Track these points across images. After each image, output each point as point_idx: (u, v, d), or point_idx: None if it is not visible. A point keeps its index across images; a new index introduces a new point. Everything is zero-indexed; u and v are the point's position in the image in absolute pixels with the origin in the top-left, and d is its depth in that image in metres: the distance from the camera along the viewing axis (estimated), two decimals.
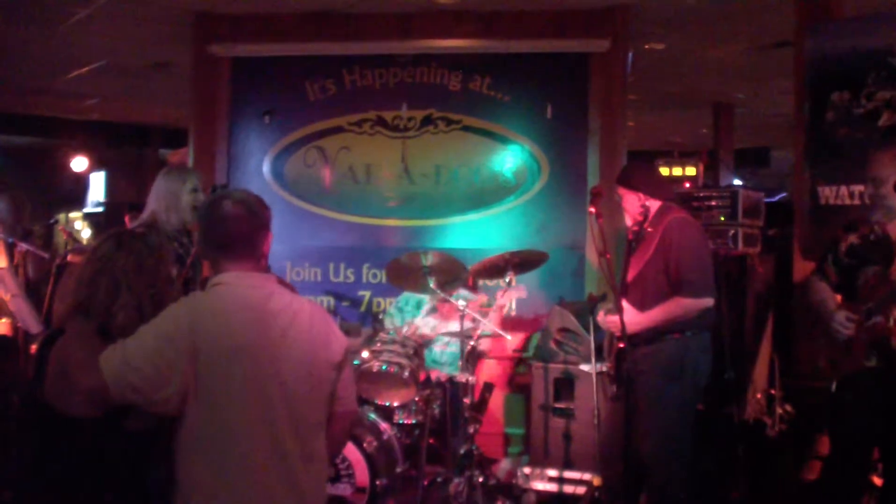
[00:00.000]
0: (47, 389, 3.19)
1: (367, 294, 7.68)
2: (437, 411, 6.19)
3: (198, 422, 2.98)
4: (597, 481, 5.64)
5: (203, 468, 2.99)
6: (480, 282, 7.08)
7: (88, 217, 13.06)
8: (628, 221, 5.32)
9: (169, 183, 5.34)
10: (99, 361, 2.98)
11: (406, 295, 6.96)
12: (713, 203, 6.65)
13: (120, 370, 2.96)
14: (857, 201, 5.99)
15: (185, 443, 3.01)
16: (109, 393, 2.97)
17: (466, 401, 5.95)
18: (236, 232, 3.18)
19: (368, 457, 5.61)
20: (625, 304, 5.02)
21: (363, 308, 7.66)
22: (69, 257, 6.32)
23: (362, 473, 5.59)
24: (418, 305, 6.96)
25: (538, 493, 6.15)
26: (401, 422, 6.14)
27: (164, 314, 3.09)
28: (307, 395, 3.13)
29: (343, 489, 5.60)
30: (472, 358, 6.05)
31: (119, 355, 2.99)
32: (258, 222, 3.23)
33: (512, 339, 6.66)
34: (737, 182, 12.55)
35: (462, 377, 5.93)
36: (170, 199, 5.26)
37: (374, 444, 5.74)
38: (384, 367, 5.87)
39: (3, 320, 6.43)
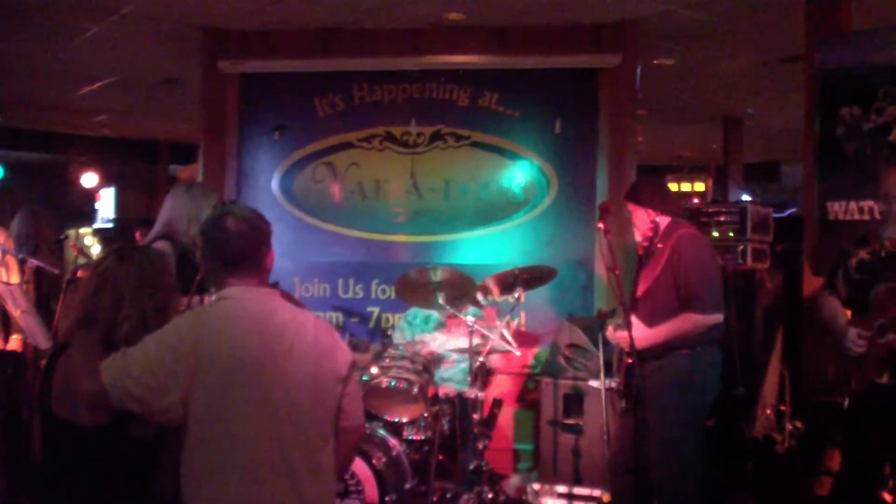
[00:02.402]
0: (54, 401, 3.22)
1: (376, 310, 7.67)
2: (446, 427, 6.19)
3: (200, 433, 2.99)
4: (606, 497, 5.63)
5: (206, 479, 3.00)
6: (490, 298, 7.07)
7: (99, 233, 13.09)
8: (638, 237, 5.32)
9: (195, 199, 5.36)
10: (100, 368, 3.01)
11: (415, 309, 6.96)
12: (722, 218, 6.65)
13: (119, 377, 2.98)
14: (866, 217, 5.97)
15: (189, 453, 3.02)
16: (109, 399, 2.98)
17: (475, 416, 5.95)
18: (241, 248, 3.19)
19: (377, 472, 5.60)
20: (634, 319, 5.02)
21: (372, 324, 7.65)
22: (79, 273, 6.33)
23: (371, 489, 5.58)
24: (427, 320, 6.96)
25: None
26: (410, 437, 6.13)
27: (168, 326, 3.11)
28: (312, 409, 3.13)
29: None
30: (481, 374, 6.04)
31: (119, 363, 3.01)
32: (261, 238, 3.25)
33: (521, 355, 6.65)
34: (746, 197, 12.54)
35: (471, 393, 5.93)
36: (192, 213, 5.27)
37: (383, 459, 5.73)
38: (393, 383, 5.87)
39: (14, 336, 6.45)
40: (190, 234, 5.25)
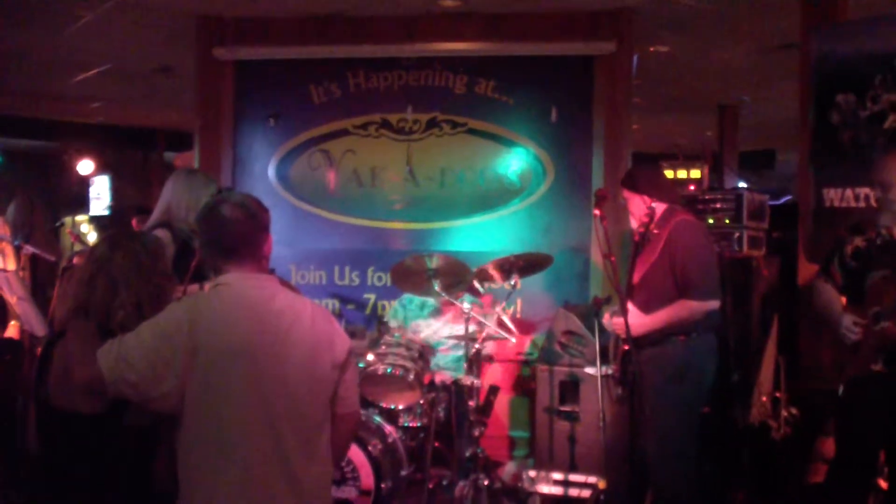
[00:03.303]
0: (51, 388, 3.22)
1: (372, 297, 7.68)
2: (442, 414, 6.20)
3: (196, 420, 3.00)
4: (602, 484, 5.64)
5: (203, 466, 3.01)
6: (486, 285, 7.07)
7: (95, 220, 13.07)
8: (634, 224, 5.32)
9: (195, 188, 5.33)
10: (96, 355, 3.01)
11: (410, 294, 6.96)
12: (718, 206, 6.65)
13: (116, 365, 2.98)
14: (862, 204, 5.97)
15: (185, 441, 3.03)
16: (105, 388, 2.99)
17: (471, 404, 5.96)
18: (237, 234, 3.19)
19: (373, 460, 5.61)
20: (630, 306, 5.02)
21: (368, 311, 7.66)
22: (75, 260, 6.33)
23: (367, 476, 5.60)
24: (422, 305, 6.96)
25: (543, 496, 6.15)
26: (406, 425, 6.14)
27: (165, 312, 3.11)
28: (309, 395, 3.14)
29: (348, 492, 5.61)
30: (476, 361, 6.04)
31: (116, 350, 3.01)
32: (258, 224, 3.25)
33: (517, 342, 6.66)
34: (742, 185, 12.54)
35: (467, 380, 5.93)
36: (191, 202, 5.25)
37: (379, 447, 5.74)
38: (389, 370, 5.87)
39: (11, 323, 6.44)
40: (189, 221, 5.24)
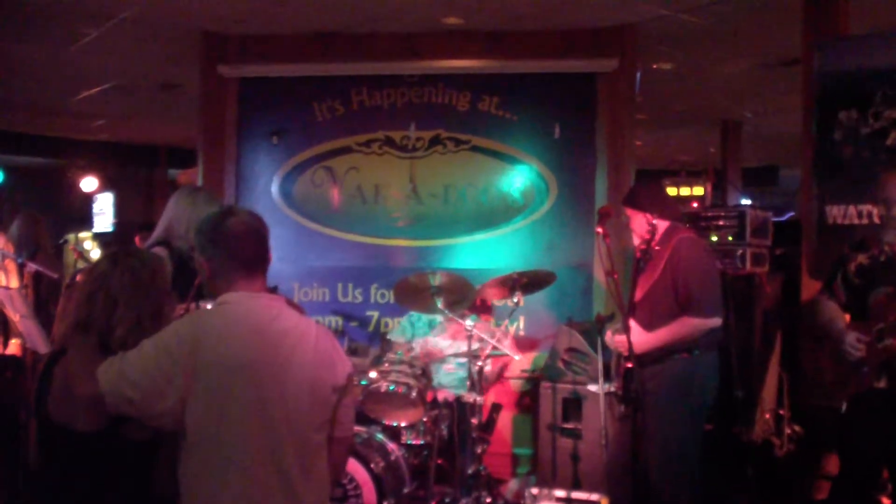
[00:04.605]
0: (51, 406, 3.21)
1: (375, 314, 7.67)
2: (444, 431, 6.19)
3: (196, 436, 2.98)
4: (605, 502, 5.63)
5: (202, 482, 3.00)
6: (489, 302, 7.06)
7: (98, 237, 13.09)
8: (636, 241, 5.31)
9: (198, 206, 5.30)
10: (97, 372, 3.01)
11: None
12: (721, 223, 6.65)
13: (116, 382, 2.98)
14: (864, 221, 5.96)
15: (185, 455, 3.02)
16: (106, 404, 2.99)
17: (474, 421, 5.95)
18: (261, 248, 3.23)
19: (376, 477, 5.59)
20: (632, 323, 5.01)
21: (371, 328, 7.65)
22: (78, 277, 6.33)
23: (370, 494, 5.58)
24: (430, 324, 6.95)
25: None
26: (409, 442, 6.12)
27: (167, 329, 3.10)
28: (308, 417, 3.12)
29: None
30: (480, 378, 6.04)
31: (116, 367, 3.00)
32: (268, 238, 3.28)
33: (520, 359, 6.65)
34: (745, 201, 12.54)
35: (470, 397, 5.93)
36: (192, 220, 5.19)
37: (382, 464, 5.73)
38: (392, 388, 5.86)
39: (14, 340, 6.45)
40: (189, 239, 5.22)
